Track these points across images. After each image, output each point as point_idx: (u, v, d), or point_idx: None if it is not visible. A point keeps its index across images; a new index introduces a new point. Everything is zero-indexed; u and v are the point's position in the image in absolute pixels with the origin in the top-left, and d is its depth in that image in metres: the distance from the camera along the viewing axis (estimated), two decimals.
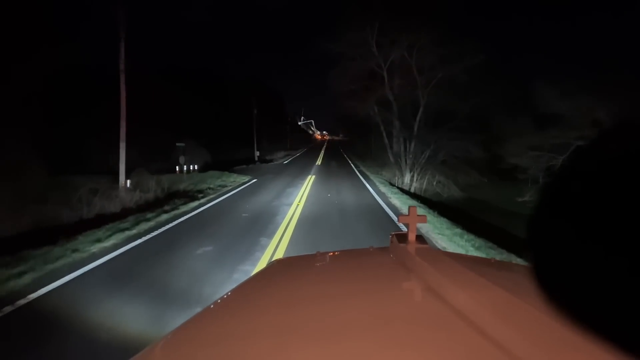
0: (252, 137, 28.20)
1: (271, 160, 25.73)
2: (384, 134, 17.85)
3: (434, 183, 15.27)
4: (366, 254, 1.13)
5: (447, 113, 14.80)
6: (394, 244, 1.01)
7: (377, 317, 0.60)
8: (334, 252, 1.20)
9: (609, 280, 0.24)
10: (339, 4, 16.69)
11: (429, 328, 0.55)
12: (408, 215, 1.03)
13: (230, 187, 11.50)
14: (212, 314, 0.75)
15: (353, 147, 36.08)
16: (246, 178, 13.69)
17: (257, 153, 28.10)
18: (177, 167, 17.69)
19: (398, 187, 13.17)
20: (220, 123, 44.02)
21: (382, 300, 0.68)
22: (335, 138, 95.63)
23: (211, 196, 9.67)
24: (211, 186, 12.20)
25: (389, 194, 10.10)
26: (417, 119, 15.36)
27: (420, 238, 0.98)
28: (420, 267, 0.77)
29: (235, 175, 14.57)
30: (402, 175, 15.78)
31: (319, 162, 22.35)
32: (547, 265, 0.29)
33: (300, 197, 9.10)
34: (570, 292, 0.27)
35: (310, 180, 12.83)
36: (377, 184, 12.55)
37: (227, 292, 0.83)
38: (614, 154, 0.25)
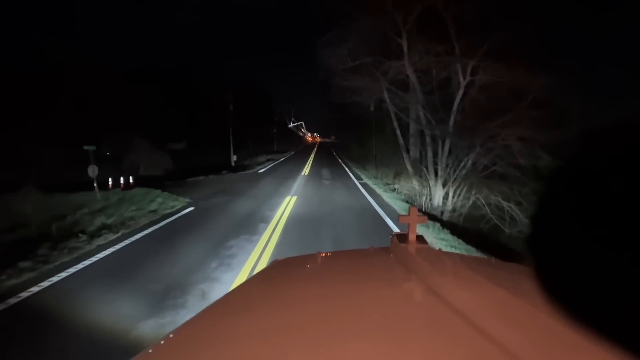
0: (235, 140, 22.88)
1: (246, 167, 20.12)
2: (398, 132, 12.45)
3: (470, 201, 9.90)
4: (366, 254, 1.13)
5: (500, 100, 9.51)
6: (394, 244, 1.02)
7: (378, 317, 0.59)
8: (334, 253, 1.21)
9: (609, 281, 0.24)
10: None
11: (429, 328, 0.55)
12: (408, 215, 1.03)
13: (131, 230, 5.95)
14: (212, 314, 0.72)
15: (348, 150, 30.72)
16: (180, 203, 8.11)
17: (234, 157, 22.46)
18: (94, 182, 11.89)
19: (438, 219, 7.74)
20: (201, 126, 39.39)
21: (382, 301, 0.67)
22: (327, 140, 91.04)
23: (42, 269, 4.06)
24: (107, 222, 6.77)
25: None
26: (455, 107, 10.02)
27: (421, 238, 1.00)
28: (421, 267, 0.78)
29: (167, 196, 8.97)
30: (431, 193, 10.39)
31: (306, 170, 16.74)
32: (547, 266, 0.28)
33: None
34: (569, 292, 0.27)
35: (286, 208, 7.33)
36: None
37: (227, 293, 0.83)
38: (614, 154, 0.25)
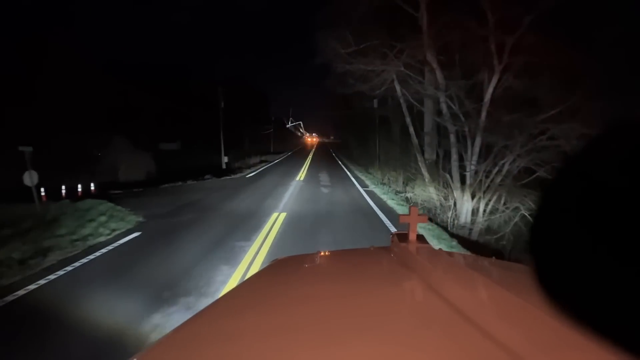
0: (230, 140, 20.71)
1: (235, 171, 17.98)
2: (411, 130, 10.34)
3: (512, 216, 7.79)
4: (367, 253, 1.11)
5: (545, 87, 7.43)
6: (394, 243, 1.00)
7: (378, 316, 0.58)
8: (335, 252, 1.19)
9: (610, 280, 0.24)
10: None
11: (430, 326, 0.54)
12: (409, 214, 1.01)
13: (15, 281, 3.80)
14: (212, 313, 0.69)
15: (348, 151, 28.60)
16: (126, 225, 5.96)
17: (225, 159, 20.24)
18: (42, 190, 9.88)
19: (483, 251, 5.62)
20: (196, 125, 37.57)
21: (383, 299, 0.66)
22: (326, 140, 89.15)
23: None
24: (10, 255, 4.76)
25: None
26: (487, 97, 7.91)
27: (421, 237, 0.99)
28: (421, 266, 0.77)
29: (116, 211, 6.83)
30: (457, 205, 8.28)
31: (301, 175, 14.57)
32: (548, 265, 0.29)
33: None
34: (570, 292, 0.27)
35: (269, 233, 5.19)
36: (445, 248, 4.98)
37: (228, 292, 0.81)
38: (616, 154, 0.25)
